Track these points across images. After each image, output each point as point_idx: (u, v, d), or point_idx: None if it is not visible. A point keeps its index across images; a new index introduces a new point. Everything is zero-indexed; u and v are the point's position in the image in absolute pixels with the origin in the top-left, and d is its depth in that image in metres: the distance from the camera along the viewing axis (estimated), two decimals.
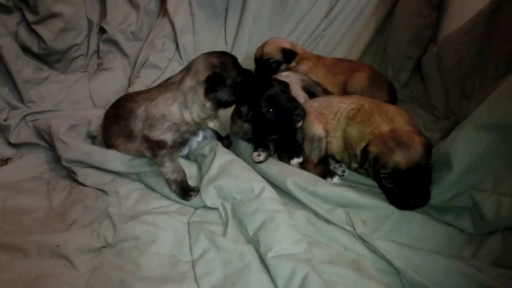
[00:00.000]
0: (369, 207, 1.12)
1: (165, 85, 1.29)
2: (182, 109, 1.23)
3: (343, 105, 1.34)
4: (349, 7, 2.06)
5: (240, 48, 2.07)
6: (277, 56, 1.85)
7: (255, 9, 2.03)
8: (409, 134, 1.09)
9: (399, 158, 1.05)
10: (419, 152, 1.04)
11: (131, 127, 1.29)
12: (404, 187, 1.06)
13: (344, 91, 1.75)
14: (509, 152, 0.97)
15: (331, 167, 1.34)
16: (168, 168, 1.24)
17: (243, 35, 2.08)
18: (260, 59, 1.88)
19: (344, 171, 1.31)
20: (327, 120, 1.34)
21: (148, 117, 1.25)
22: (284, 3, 2.08)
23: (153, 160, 1.28)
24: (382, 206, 1.11)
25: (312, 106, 1.41)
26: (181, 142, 1.29)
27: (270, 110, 1.24)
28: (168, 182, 1.26)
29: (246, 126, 1.36)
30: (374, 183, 1.29)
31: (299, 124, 1.26)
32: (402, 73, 1.96)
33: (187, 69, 1.26)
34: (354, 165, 1.27)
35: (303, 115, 1.26)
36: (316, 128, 1.31)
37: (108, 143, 1.39)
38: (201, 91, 1.21)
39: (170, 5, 1.98)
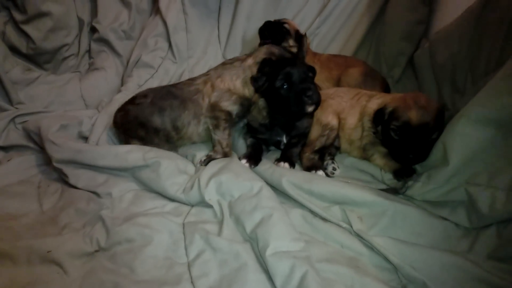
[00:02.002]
0: (365, 203, 1.12)
1: (230, 62, 1.45)
2: (244, 85, 1.37)
3: (364, 90, 1.45)
4: (342, 5, 2.06)
5: (233, 46, 2.06)
6: (292, 29, 1.85)
7: (248, 6, 2.02)
8: (428, 98, 1.20)
9: (412, 115, 1.13)
10: (432, 115, 1.13)
11: (200, 105, 1.42)
12: (408, 142, 1.15)
13: (338, 86, 1.75)
14: (503, 146, 0.98)
15: (324, 163, 1.34)
16: (225, 141, 1.40)
17: (237, 33, 2.07)
18: (276, 22, 1.86)
19: (335, 169, 1.31)
20: (345, 100, 1.41)
21: (216, 90, 1.40)
22: (277, 1, 2.07)
23: (213, 131, 1.41)
24: (378, 202, 1.11)
25: (328, 93, 1.48)
26: (241, 116, 1.44)
27: (285, 86, 1.23)
28: (218, 153, 1.41)
29: (261, 103, 1.37)
30: (369, 179, 1.30)
31: (310, 109, 1.23)
32: (395, 69, 1.97)
33: (252, 52, 1.43)
34: (365, 140, 1.31)
35: (317, 101, 1.23)
36: (331, 117, 1.38)
37: (180, 134, 1.45)
38: (255, 69, 1.35)
39: (163, 4, 1.96)
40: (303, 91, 1.20)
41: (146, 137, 1.42)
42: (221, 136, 1.40)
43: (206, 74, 1.48)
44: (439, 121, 1.14)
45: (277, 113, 1.34)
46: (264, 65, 1.32)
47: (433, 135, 1.14)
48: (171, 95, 1.45)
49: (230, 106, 1.38)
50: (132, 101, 1.47)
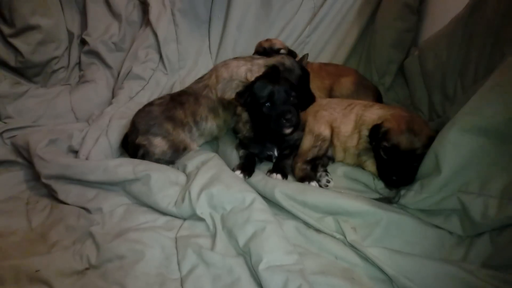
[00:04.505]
0: (358, 213, 1.11)
1: (242, 57, 1.53)
2: (248, 72, 1.43)
3: (357, 101, 1.47)
4: (332, 13, 2.09)
5: (224, 56, 2.06)
6: (285, 50, 1.87)
7: (238, 17, 2.04)
8: (422, 123, 1.20)
9: (402, 140, 1.15)
10: (422, 142, 1.14)
11: (212, 98, 1.47)
12: (394, 163, 1.16)
13: (330, 96, 1.76)
14: (493, 154, 0.98)
15: (318, 174, 1.33)
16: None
17: (227, 43, 2.07)
18: (270, 49, 1.86)
19: (329, 181, 1.31)
20: (337, 111, 1.43)
21: (219, 80, 1.45)
22: (267, 11, 2.09)
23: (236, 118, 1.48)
24: (372, 212, 1.10)
25: (321, 104, 1.50)
26: None
27: (267, 104, 1.25)
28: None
29: (245, 116, 1.38)
30: (363, 188, 1.30)
31: (288, 131, 1.26)
32: (386, 77, 1.99)
33: (268, 58, 1.51)
34: (361, 146, 1.33)
35: (295, 123, 1.25)
36: (323, 128, 1.39)
37: (201, 129, 1.51)
38: (262, 70, 1.43)
39: (153, 15, 1.96)
40: (283, 113, 1.22)
41: (173, 132, 1.45)
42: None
43: (213, 68, 1.54)
44: (428, 148, 1.14)
45: (258, 128, 1.36)
46: (269, 70, 1.39)
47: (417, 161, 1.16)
48: (185, 93, 1.53)
49: (234, 94, 1.41)
50: (150, 104, 1.53)
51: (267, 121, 1.26)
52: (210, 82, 1.49)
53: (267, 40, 1.89)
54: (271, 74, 1.37)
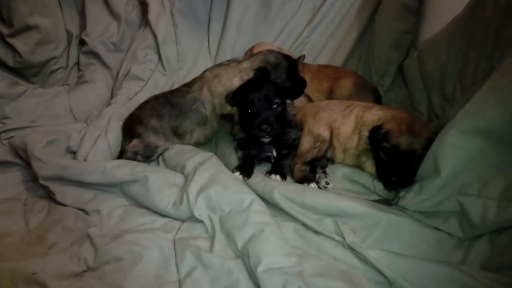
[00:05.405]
0: (357, 215, 1.11)
1: (227, 64, 1.49)
2: (241, 82, 1.38)
3: (357, 102, 1.47)
4: (331, 14, 2.09)
5: (223, 57, 2.06)
6: None
7: (238, 17, 2.03)
8: (422, 125, 1.21)
9: (402, 141, 1.15)
10: (421, 143, 1.15)
11: (203, 113, 1.46)
12: (393, 164, 1.17)
13: (330, 98, 1.76)
14: (493, 156, 0.98)
15: (317, 176, 1.33)
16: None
17: (227, 44, 2.07)
18: None
19: (328, 183, 1.30)
20: (336, 112, 1.43)
21: (215, 95, 1.43)
22: (266, 11, 2.09)
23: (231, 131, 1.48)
24: (371, 214, 1.10)
25: (320, 105, 1.50)
26: None
27: (249, 111, 1.26)
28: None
29: (236, 117, 1.39)
30: (362, 190, 1.30)
31: (266, 141, 1.29)
32: (385, 78, 1.99)
33: (250, 57, 1.48)
34: (361, 147, 1.33)
35: (273, 134, 1.26)
36: (323, 129, 1.39)
37: (184, 140, 1.51)
38: (251, 74, 1.41)
39: (152, 16, 1.95)
40: (259, 124, 1.22)
41: (144, 134, 1.47)
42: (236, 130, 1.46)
43: (201, 77, 1.50)
44: (428, 149, 1.14)
45: (243, 130, 1.37)
46: (257, 74, 1.36)
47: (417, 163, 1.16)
48: (168, 103, 1.49)
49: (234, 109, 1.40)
50: (138, 107, 1.57)
51: (249, 127, 1.27)
52: (201, 96, 1.45)
53: (251, 49, 1.88)
54: (262, 76, 1.36)
